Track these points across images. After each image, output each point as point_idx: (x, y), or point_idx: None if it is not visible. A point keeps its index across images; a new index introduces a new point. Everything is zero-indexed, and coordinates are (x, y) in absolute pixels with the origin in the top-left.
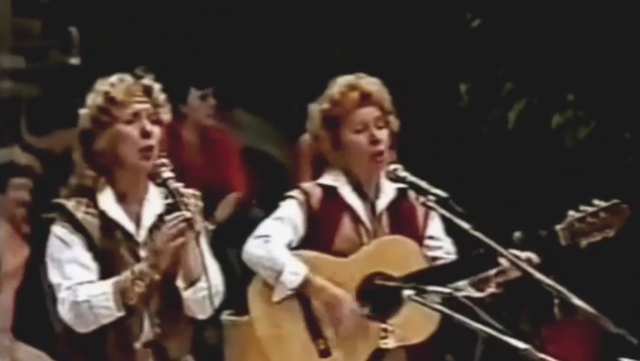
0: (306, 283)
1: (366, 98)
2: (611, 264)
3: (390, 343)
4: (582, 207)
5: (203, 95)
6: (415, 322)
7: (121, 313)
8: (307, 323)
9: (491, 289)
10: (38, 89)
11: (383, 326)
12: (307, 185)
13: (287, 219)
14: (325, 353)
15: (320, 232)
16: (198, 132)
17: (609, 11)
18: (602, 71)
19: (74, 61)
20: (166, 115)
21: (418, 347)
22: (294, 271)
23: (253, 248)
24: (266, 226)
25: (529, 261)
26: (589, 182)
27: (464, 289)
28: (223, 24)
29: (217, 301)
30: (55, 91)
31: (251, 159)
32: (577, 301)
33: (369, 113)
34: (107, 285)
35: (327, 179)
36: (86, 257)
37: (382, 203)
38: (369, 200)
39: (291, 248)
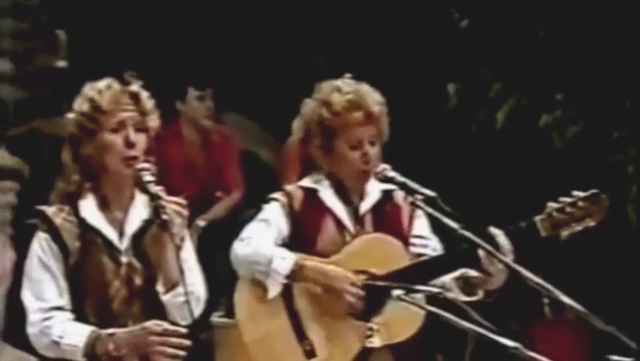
0: (297, 266)
1: (368, 118)
2: (600, 263)
3: (376, 342)
4: (561, 199)
5: (201, 96)
6: (399, 320)
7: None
8: (292, 324)
9: (479, 296)
10: (25, 92)
11: (368, 325)
12: (289, 187)
13: (271, 221)
14: (310, 353)
15: (302, 234)
16: (199, 133)
17: (597, 11)
18: (590, 70)
19: (61, 64)
20: (153, 122)
21: (405, 346)
22: (283, 256)
23: (238, 249)
24: (250, 228)
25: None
26: (577, 181)
27: (453, 291)
28: (211, 28)
29: (198, 308)
30: (42, 94)
31: (240, 160)
32: (565, 299)
33: (367, 130)
34: (82, 336)
35: (309, 181)
36: (61, 276)
37: (366, 205)
38: (352, 203)
39: None
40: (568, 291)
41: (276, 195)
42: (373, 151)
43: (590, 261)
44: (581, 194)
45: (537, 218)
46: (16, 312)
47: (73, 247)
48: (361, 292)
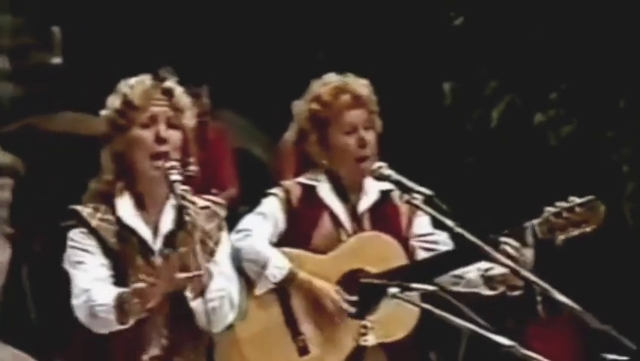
0: (289, 277)
1: (356, 101)
2: (595, 261)
3: (370, 340)
4: (558, 203)
5: (195, 93)
6: (394, 318)
7: (125, 326)
8: (286, 320)
9: (500, 290)
10: (20, 88)
11: (362, 322)
12: (288, 182)
13: (268, 215)
14: (304, 350)
15: (299, 229)
16: (194, 129)
17: (592, 10)
18: (584, 69)
19: (57, 60)
20: (188, 120)
21: (399, 344)
22: (279, 265)
23: (235, 242)
24: (248, 221)
25: (509, 247)
26: (571, 179)
27: (478, 287)
28: (209, 24)
29: (232, 313)
30: (38, 90)
31: (235, 157)
32: (560, 297)
33: (359, 115)
34: (111, 296)
35: (307, 178)
36: (102, 260)
37: (364, 204)
38: (350, 201)
39: (272, 244)
40: (563, 290)
41: (274, 190)
42: (369, 137)
43: (585, 260)
44: (578, 200)
45: (535, 221)
46: (12, 309)
47: (113, 244)
48: (347, 309)
